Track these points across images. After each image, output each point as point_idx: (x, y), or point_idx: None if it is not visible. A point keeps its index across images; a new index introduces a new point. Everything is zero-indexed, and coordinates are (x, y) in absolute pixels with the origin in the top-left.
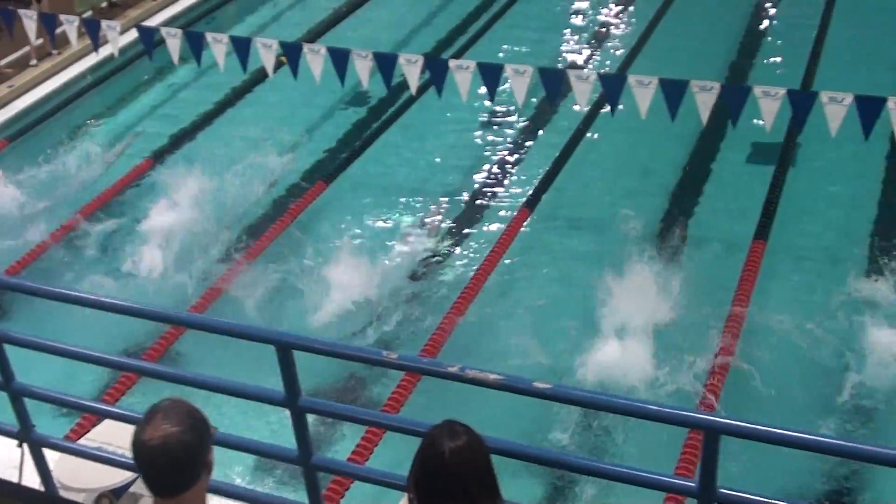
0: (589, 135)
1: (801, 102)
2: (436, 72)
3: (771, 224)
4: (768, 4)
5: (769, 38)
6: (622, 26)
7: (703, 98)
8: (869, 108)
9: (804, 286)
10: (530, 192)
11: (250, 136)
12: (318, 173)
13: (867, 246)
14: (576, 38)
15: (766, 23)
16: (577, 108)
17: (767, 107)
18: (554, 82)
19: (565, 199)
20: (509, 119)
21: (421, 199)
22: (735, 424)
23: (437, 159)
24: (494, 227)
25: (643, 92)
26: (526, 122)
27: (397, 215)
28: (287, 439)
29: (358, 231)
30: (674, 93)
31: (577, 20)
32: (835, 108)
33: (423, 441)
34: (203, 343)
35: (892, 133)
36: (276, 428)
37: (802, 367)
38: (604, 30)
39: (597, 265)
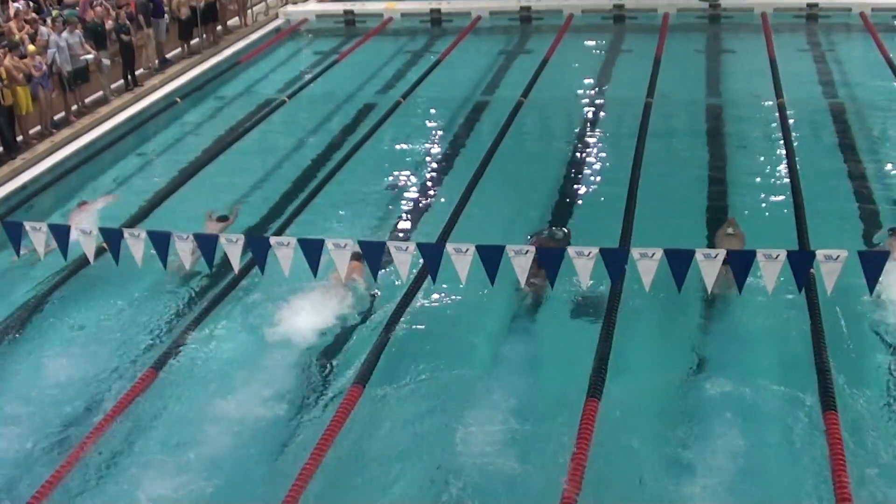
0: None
1: (615, 259)
2: (258, 249)
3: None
4: (582, 164)
5: (580, 202)
6: (441, 198)
7: (520, 262)
8: (679, 261)
9: None
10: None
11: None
12: (149, 360)
13: None
14: (397, 208)
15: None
16: (399, 283)
17: (582, 265)
18: (375, 255)
19: (399, 371)
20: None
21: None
22: None
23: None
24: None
25: (462, 259)
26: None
27: None
28: None
29: None
30: (491, 258)
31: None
32: (647, 264)
33: None
34: None
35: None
36: None
37: None
38: (425, 201)
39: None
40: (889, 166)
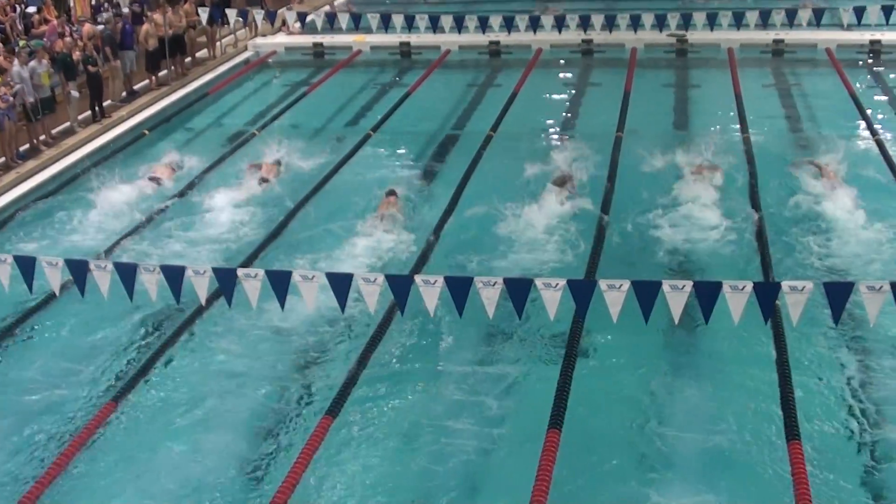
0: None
1: (582, 290)
2: (225, 281)
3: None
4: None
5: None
6: (412, 230)
7: (488, 294)
8: (646, 293)
9: None
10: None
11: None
12: (110, 394)
13: None
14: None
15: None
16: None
17: (550, 296)
18: (343, 288)
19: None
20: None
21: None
22: None
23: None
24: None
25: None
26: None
27: None
28: None
29: None
30: (459, 290)
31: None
32: (614, 295)
33: None
34: None
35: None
36: None
37: None
38: None
39: None
40: (848, 200)
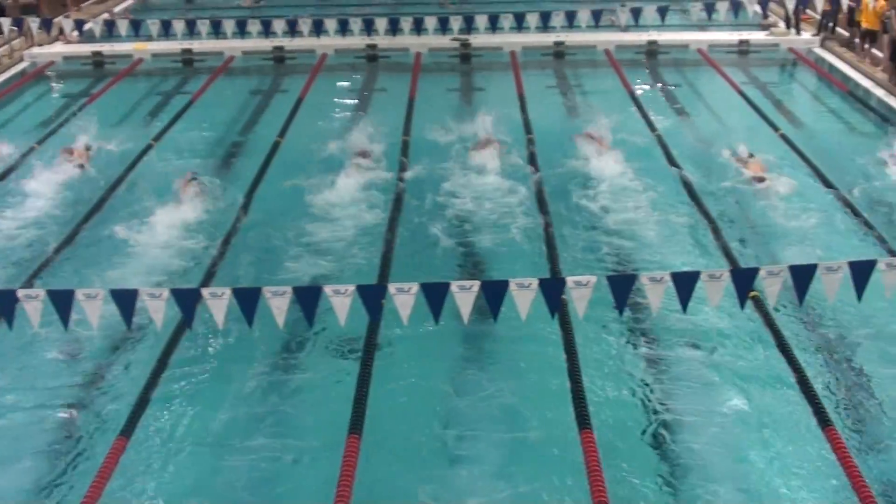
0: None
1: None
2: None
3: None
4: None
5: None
6: (200, 241)
7: (277, 303)
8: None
9: None
10: None
11: None
12: None
13: None
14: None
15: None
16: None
17: (339, 302)
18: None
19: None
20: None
21: None
22: None
23: None
24: None
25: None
26: None
27: None
28: None
29: None
30: (247, 302)
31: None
32: (403, 298)
33: None
34: None
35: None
36: None
37: None
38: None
39: None
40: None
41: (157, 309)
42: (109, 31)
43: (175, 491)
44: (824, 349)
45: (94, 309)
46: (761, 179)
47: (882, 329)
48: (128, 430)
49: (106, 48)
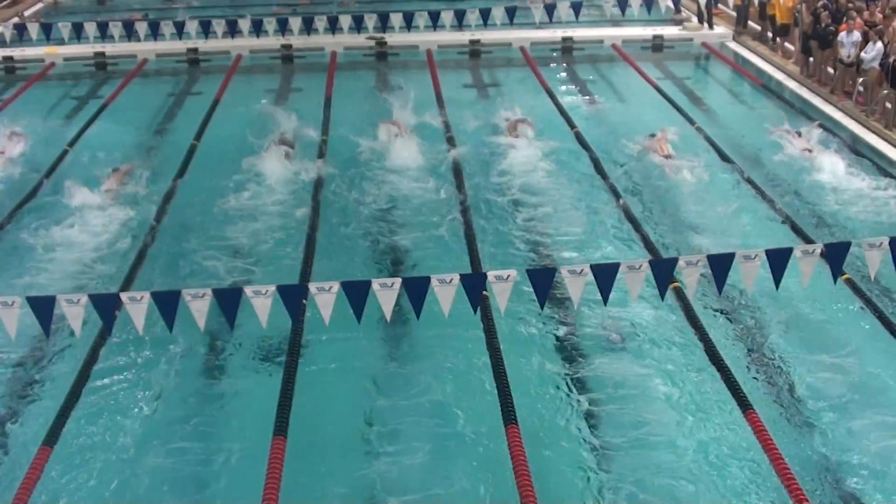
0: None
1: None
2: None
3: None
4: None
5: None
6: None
7: (197, 305)
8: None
9: None
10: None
11: None
12: None
13: None
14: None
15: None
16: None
17: (260, 304)
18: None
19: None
20: None
21: None
22: None
23: None
24: None
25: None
26: None
27: None
28: None
29: None
30: (167, 304)
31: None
32: (324, 297)
33: None
34: None
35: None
36: None
37: None
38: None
39: None
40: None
41: (76, 315)
42: (20, 35)
43: (100, 496)
44: (743, 336)
45: (11, 317)
46: (668, 157)
47: (797, 314)
48: (51, 439)
49: (17, 53)
